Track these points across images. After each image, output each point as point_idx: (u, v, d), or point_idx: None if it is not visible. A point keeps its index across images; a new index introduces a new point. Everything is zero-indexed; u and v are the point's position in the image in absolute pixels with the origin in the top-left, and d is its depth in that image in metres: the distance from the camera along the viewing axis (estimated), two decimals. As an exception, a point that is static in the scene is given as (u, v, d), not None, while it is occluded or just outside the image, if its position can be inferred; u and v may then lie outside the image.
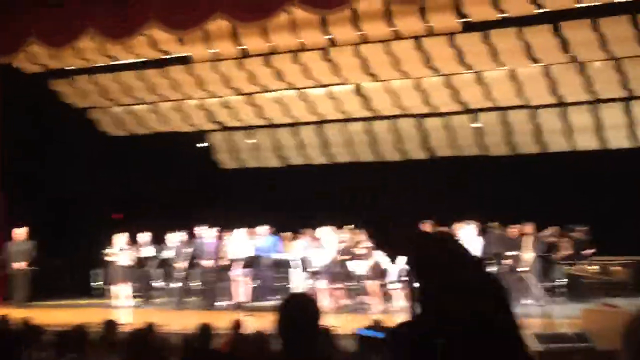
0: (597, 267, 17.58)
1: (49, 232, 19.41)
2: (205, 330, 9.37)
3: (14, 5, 15.80)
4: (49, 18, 15.64)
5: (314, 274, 17.19)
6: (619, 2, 14.43)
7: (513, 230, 17.62)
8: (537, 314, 14.64)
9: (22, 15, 16.02)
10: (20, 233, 18.58)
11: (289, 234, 18.92)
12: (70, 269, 19.77)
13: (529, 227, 17.45)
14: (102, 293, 19.73)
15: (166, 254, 19.11)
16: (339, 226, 18.25)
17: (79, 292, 19.78)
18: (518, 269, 16.95)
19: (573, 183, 18.45)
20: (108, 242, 18.99)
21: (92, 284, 20.13)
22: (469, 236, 16.77)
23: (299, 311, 4.01)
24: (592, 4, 14.81)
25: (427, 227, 18.13)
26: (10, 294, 18.56)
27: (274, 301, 17.46)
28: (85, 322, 9.45)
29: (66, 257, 19.93)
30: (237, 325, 10.40)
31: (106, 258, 19.00)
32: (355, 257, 17.31)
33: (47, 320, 12.54)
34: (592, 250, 17.71)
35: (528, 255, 17.15)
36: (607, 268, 17.77)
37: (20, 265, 18.34)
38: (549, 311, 13.94)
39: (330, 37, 16.92)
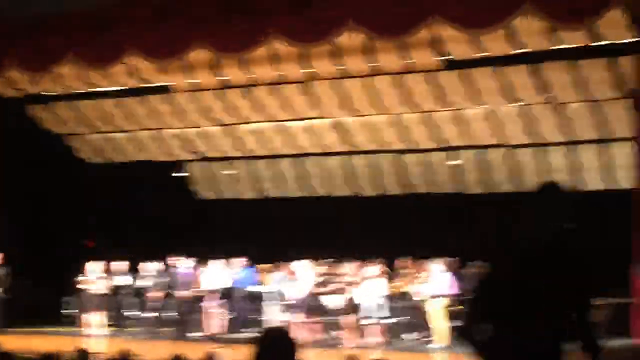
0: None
1: (21, 258, 19.21)
2: (178, 362, 9.28)
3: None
4: (27, 44, 15.60)
5: (290, 307, 17.11)
6: (597, 45, 14.56)
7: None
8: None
9: (1, 41, 15.97)
10: (-5, 259, 18.36)
11: (266, 266, 18.83)
12: (41, 295, 19.53)
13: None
14: (73, 321, 19.54)
15: (141, 283, 18.98)
16: (316, 259, 18.21)
17: (49, 319, 19.55)
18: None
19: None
20: (81, 270, 18.84)
21: (62, 311, 19.93)
22: (441, 274, 16.77)
23: (277, 345, 3.98)
24: (571, 46, 14.93)
25: (403, 263, 18.17)
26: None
27: (249, 333, 17.36)
28: (58, 350, 9.35)
29: (37, 283, 19.70)
30: (211, 357, 10.32)
31: (79, 285, 18.85)
32: (330, 291, 17.27)
33: (18, 346, 12.41)
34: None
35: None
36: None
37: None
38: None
39: (310, 70, 16.96)
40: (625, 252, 12.98)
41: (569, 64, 15.93)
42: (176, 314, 18.38)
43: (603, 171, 18.55)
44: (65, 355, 9.67)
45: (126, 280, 19.16)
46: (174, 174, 22.96)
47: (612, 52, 15.19)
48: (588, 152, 18.54)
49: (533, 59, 15.88)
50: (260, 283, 18.52)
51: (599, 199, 18.18)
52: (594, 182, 18.69)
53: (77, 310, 19.50)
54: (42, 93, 19.76)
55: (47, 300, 19.65)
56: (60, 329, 19.12)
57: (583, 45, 14.69)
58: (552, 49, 14.97)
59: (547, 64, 16.08)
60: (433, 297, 16.63)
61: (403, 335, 17.43)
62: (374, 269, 17.21)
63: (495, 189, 19.88)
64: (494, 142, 19.00)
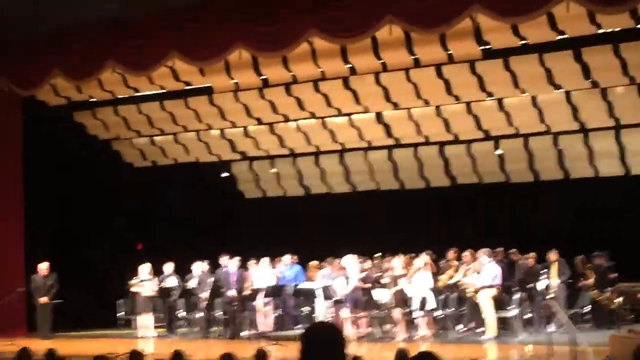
0: (622, 293, 17.43)
1: (74, 264, 19.49)
2: (229, 360, 9.35)
3: (38, 39, 15.99)
4: (72, 51, 15.81)
5: (337, 303, 17.16)
6: (639, 28, 14.39)
7: (529, 259, 17.59)
8: (562, 341, 14.53)
9: (46, 49, 16.21)
10: (43, 267, 18.75)
11: (315, 263, 18.90)
12: (97, 299, 19.81)
13: (553, 254, 17.38)
14: (128, 323, 19.79)
15: (190, 283, 19.14)
16: (363, 254, 18.26)
17: (105, 323, 19.81)
18: (544, 296, 16.88)
19: (596, 209, 18.33)
20: (133, 272, 19.06)
21: (118, 314, 20.18)
22: (488, 265, 16.72)
23: (324, 340, 4.00)
24: (613, 30, 14.78)
25: (451, 254, 18.15)
26: (35, 326, 18.71)
27: (297, 330, 17.44)
28: (109, 353, 9.48)
29: (91, 287, 19.97)
30: (261, 355, 10.38)
31: (131, 289, 19.08)
32: (379, 285, 17.31)
33: (70, 351, 12.60)
34: (615, 275, 17.56)
35: (553, 281, 17.06)
36: (632, 294, 17.61)
37: (43, 299, 18.48)
38: (575, 338, 13.80)
39: (350, 65, 16.97)
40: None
41: (611, 48, 15.77)
42: (226, 313, 18.51)
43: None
44: (118, 358, 9.81)
45: (175, 281, 19.33)
46: (221, 175, 23.16)
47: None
48: (634, 136, 18.32)
49: (574, 44, 15.74)
50: (308, 279, 18.59)
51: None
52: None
53: (130, 313, 19.76)
54: (87, 100, 20.04)
55: (102, 304, 19.92)
56: (115, 332, 19.38)
57: (624, 28, 14.53)
58: (594, 34, 14.84)
59: (588, 49, 15.92)
60: (482, 287, 16.59)
61: (453, 327, 17.40)
62: (422, 261, 17.21)
63: (540, 177, 19.75)
64: (538, 130, 18.88)
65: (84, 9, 15.12)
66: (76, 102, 20.04)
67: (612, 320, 16.77)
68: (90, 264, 20.40)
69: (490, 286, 16.48)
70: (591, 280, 17.38)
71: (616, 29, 14.77)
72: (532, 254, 17.64)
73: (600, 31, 14.64)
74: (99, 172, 21.45)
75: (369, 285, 17.31)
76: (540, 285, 17.16)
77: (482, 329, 16.66)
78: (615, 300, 16.76)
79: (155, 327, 18.98)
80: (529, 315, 17.32)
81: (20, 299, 18.77)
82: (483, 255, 16.83)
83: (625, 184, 18.49)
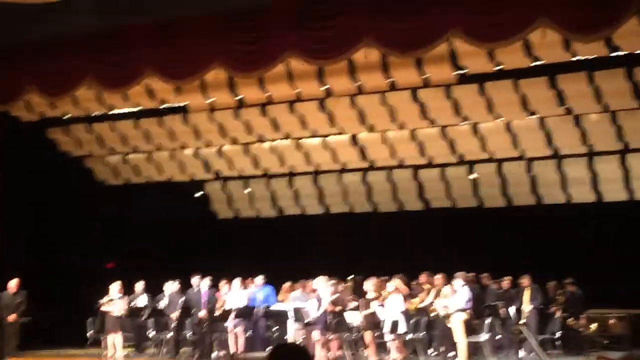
0: (594, 320, 17.50)
1: (44, 282, 19.28)
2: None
3: (13, 54, 15.86)
4: (48, 68, 15.70)
5: (308, 325, 17.06)
6: (614, 56, 14.51)
7: (505, 282, 17.63)
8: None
9: (21, 65, 16.09)
10: (12, 284, 18.39)
11: (287, 285, 18.81)
12: (66, 318, 19.58)
13: (525, 280, 17.42)
14: (97, 342, 19.57)
15: (160, 303, 18.99)
16: (335, 276, 18.19)
17: (74, 342, 19.58)
18: (515, 321, 16.89)
19: (569, 235, 18.41)
20: (103, 291, 18.87)
21: (87, 333, 19.97)
22: (460, 289, 16.72)
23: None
24: (588, 57, 14.90)
25: (423, 278, 18.13)
26: (1, 345, 18.40)
27: (268, 352, 17.32)
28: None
29: (61, 306, 19.75)
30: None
31: (101, 308, 18.88)
32: (351, 308, 17.23)
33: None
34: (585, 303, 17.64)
35: (526, 307, 17.07)
36: (604, 321, 17.70)
37: (12, 317, 18.13)
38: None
39: (326, 87, 16.98)
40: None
41: (585, 75, 15.90)
42: (195, 334, 18.37)
43: (622, 182, 18.44)
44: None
45: (145, 301, 19.17)
46: (195, 195, 23.06)
47: (629, 62, 15.15)
48: (607, 163, 18.44)
49: (549, 71, 15.86)
50: (280, 301, 18.50)
51: (618, 210, 18.14)
52: (613, 193, 18.60)
53: (99, 332, 19.55)
54: (61, 116, 19.89)
55: (71, 322, 19.69)
56: (83, 351, 19.16)
57: (599, 56, 14.65)
58: (569, 61, 14.95)
59: (563, 76, 16.06)
60: (453, 311, 16.57)
61: (424, 351, 17.36)
62: (394, 284, 17.17)
63: (513, 203, 19.83)
64: (512, 155, 18.97)
65: (61, 24, 15.00)
66: (49, 119, 19.87)
67: (582, 346, 16.84)
68: (60, 283, 20.19)
69: (463, 310, 16.47)
70: (562, 306, 17.45)
71: (591, 57, 14.88)
72: (508, 278, 17.68)
73: (575, 58, 14.74)
74: (71, 189, 21.28)
75: (340, 307, 17.24)
76: (511, 310, 17.18)
77: (452, 353, 16.63)
78: (590, 327, 16.85)
79: (124, 347, 18.78)
80: (500, 338, 17.33)
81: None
82: (457, 279, 16.83)
83: (598, 210, 18.59)
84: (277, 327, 18.21)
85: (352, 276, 18.66)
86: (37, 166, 20.51)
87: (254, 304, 18.27)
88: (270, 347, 17.41)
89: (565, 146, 18.26)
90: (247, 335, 18.08)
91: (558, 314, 17.47)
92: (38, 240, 20.46)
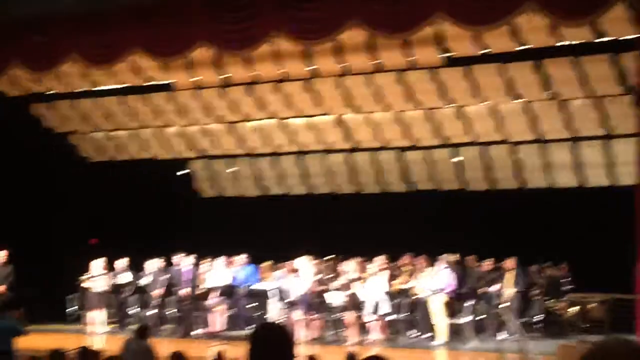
0: (574, 304, 17.63)
1: (26, 256, 19.22)
2: (178, 359, 9.30)
3: (-2, 28, 15.77)
4: (32, 43, 15.61)
5: (291, 304, 17.13)
6: (600, 42, 14.54)
7: (488, 264, 17.71)
8: (512, 349, 14.63)
9: (6, 40, 15.98)
10: (1, 255, 18.19)
11: (268, 264, 18.84)
12: (47, 294, 19.54)
13: (510, 262, 17.48)
14: (78, 319, 19.58)
15: (143, 280, 19.01)
16: (318, 256, 18.27)
17: (54, 318, 19.57)
18: (497, 304, 16.99)
19: (551, 219, 18.50)
20: (85, 268, 18.86)
21: (67, 309, 19.96)
22: (442, 271, 16.80)
23: (272, 340, 3.97)
24: (574, 42, 14.92)
25: (405, 259, 18.21)
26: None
27: (249, 331, 17.37)
28: (60, 348, 9.37)
29: (42, 281, 19.72)
30: (212, 355, 10.33)
31: (82, 284, 18.87)
32: (333, 288, 17.30)
33: (20, 345, 12.43)
34: (570, 287, 17.77)
35: (508, 290, 17.16)
36: (585, 305, 17.82)
37: (1, 288, 17.92)
38: (525, 346, 13.91)
39: (313, 68, 16.95)
40: (628, 249, 12.97)
41: (571, 61, 15.93)
42: (178, 311, 18.42)
43: (606, 168, 18.52)
44: (69, 353, 9.70)
45: (128, 277, 19.18)
46: (179, 173, 23.03)
47: (615, 48, 15.18)
48: (591, 148, 18.51)
49: (535, 55, 15.88)
50: (261, 280, 18.55)
51: (601, 196, 18.22)
52: (596, 178, 18.68)
53: (80, 308, 19.55)
54: (46, 92, 19.78)
55: (52, 298, 19.67)
56: (64, 327, 19.15)
57: (585, 41, 14.67)
58: (555, 46, 14.97)
59: (549, 60, 16.08)
60: (434, 293, 16.66)
61: (405, 332, 17.45)
62: (376, 265, 17.24)
63: (497, 186, 19.89)
64: (497, 139, 19.02)
65: (47, 0, 14.95)
66: (33, 94, 19.76)
67: (563, 330, 16.97)
68: (41, 258, 20.15)
69: (442, 291, 16.56)
70: (543, 289, 17.58)
71: (577, 42, 14.90)
72: (490, 260, 17.76)
73: (561, 43, 14.76)
74: (54, 165, 21.20)
75: (323, 287, 17.31)
76: (493, 292, 17.26)
77: (431, 334, 16.75)
78: (568, 310, 16.96)
79: (107, 324, 18.80)
80: (481, 319, 17.44)
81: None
82: (440, 261, 16.91)
83: (582, 195, 18.67)
84: (259, 306, 18.25)
85: (333, 256, 18.68)
86: (20, 142, 20.41)
87: (235, 283, 18.31)
88: (252, 326, 17.55)
89: (550, 131, 18.30)
90: (228, 314, 18.13)
91: (538, 298, 17.58)
92: (21, 215, 20.36)
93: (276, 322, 12.29)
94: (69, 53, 15.19)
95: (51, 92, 19.80)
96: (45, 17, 15.27)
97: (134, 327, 12.98)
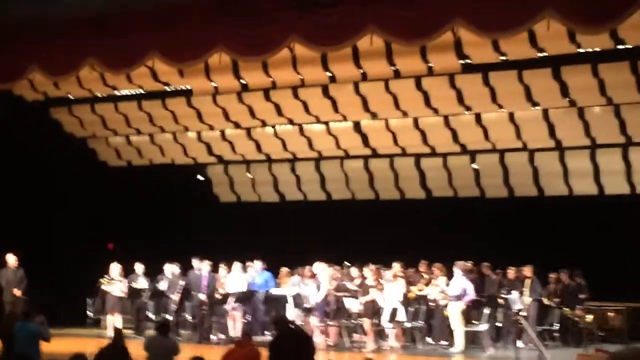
0: (592, 312, 17.54)
1: (44, 261, 19.31)
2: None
3: (17, 33, 15.84)
4: (51, 47, 15.68)
5: (309, 310, 17.12)
6: (618, 49, 14.47)
7: (509, 272, 17.64)
8: (530, 357, 14.58)
9: (25, 43, 16.06)
10: (12, 260, 18.23)
11: (285, 270, 18.83)
12: (65, 298, 19.59)
13: (527, 270, 17.41)
14: (97, 322, 19.64)
15: (160, 285, 19.03)
16: (335, 262, 18.25)
17: (74, 321, 19.62)
18: (515, 311, 16.92)
19: (569, 227, 18.42)
20: (104, 271, 18.90)
21: (87, 313, 20.02)
22: (459, 278, 16.75)
23: (294, 345, 3.98)
24: (593, 50, 14.87)
25: (422, 266, 18.18)
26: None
27: (266, 337, 17.39)
28: (81, 351, 9.40)
29: (60, 286, 19.78)
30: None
31: (102, 287, 18.90)
32: (350, 294, 17.27)
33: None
34: (586, 295, 17.68)
35: (526, 298, 17.08)
36: (603, 314, 17.74)
37: (17, 291, 17.96)
38: (543, 355, 13.85)
39: (330, 74, 16.96)
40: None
41: (590, 68, 15.87)
42: (195, 316, 18.44)
43: (624, 175, 18.43)
44: (103, 349, 9.82)
45: (145, 283, 19.21)
46: (197, 178, 23.11)
47: (634, 55, 15.12)
48: (609, 156, 18.42)
49: (554, 62, 15.82)
50: (279, 286, 18.54)
51: (620, 203, 18.13)
52: (615, 186, 18.59)
53: (97, 313, 19.60)
54: (65, 97, 19.89)
55: (70, 302, 19.71)
56: (82, 331, 19.19)
57: (604, 48, 14.62)
58: (573, 53, 14.91)
59: (567, 68, 16.02)
60: (451, 300, 16.61)
61: (422, 339, 17.41)
62: (394, 272, 17.21)
63: (515, 193, 19.83)
64: (515, 146, 18.96)
65: (66, 3, 14.99)
66: (53, 99, 19.89)
67: (580, 339, 16.89)
68: (60, 262, 20.23)
69: (458, 299, 16.51)
70: (561, 297, 17.51)
71: (596, 49, 14.85)
72: (509, 268, 17.69)
73: (579, 50, 14.71)
74: (74, 169, 21.29)
75: (341, 294, 17.28)
76: (511, 300, 17.19)
77: (448, 342, 16.70)
78: (586, 318, 16.87)
79: (123, 328, 18.81)
80: (499, 327, 17.38)
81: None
82: (456, 268, 16.86)
83: (600, 203, 18.59)
84: (276, 312, 18.23)
85: (348, 263, 18.63)
86: (40, 146, 20.51)
87: (253, 288, 18.31)
88: (270, 332, 17.53)
89: (568, 138, 18.24)
90: (246, 319, 18.12)
91: (555, 306, 17.50)
92: (39, 219, 20.44)
93: (298, 326, 12.28)
94: (85, 58, 15.25)
95: (70, 97, 19.90)
96: (62, 21, 15.33)
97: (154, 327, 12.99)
